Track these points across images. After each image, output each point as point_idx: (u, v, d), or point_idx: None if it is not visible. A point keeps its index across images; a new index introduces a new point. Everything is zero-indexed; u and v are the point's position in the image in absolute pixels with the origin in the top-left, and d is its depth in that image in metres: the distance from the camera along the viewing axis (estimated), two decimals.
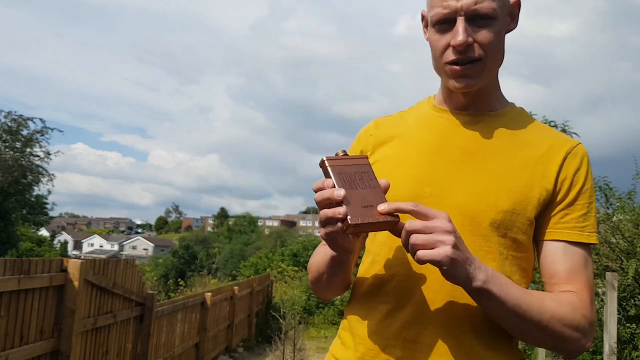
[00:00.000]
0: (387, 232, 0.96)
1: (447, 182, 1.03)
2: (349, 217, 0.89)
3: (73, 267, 3.55)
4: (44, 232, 48.47)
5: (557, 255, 1.02)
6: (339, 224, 0.89)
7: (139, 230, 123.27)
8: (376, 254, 1.09)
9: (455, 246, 0.86)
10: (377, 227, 0.92)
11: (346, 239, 0.96)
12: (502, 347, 1.00)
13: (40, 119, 25.24)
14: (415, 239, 0.86)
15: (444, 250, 0.85)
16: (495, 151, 1.05)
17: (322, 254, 1.10)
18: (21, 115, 23.63)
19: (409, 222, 0.88)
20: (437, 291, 0.99)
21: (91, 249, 76.24)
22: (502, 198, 1.00)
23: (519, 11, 1.10)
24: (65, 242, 66.84)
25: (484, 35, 1.00)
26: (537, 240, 1.05)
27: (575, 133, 10.89)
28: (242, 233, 52.14)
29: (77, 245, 77.14)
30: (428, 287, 1.00)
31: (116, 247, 77.44)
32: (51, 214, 34.88)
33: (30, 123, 23.72)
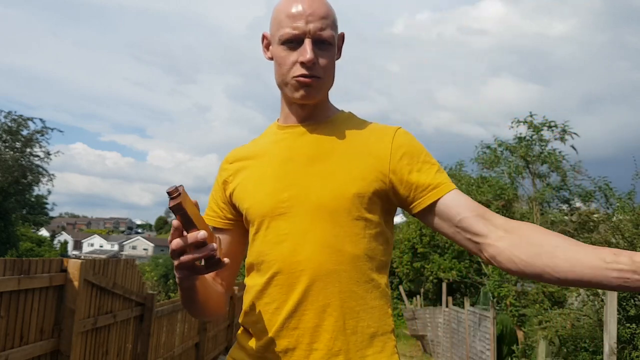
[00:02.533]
0: (271, 237, 1.16)
1: (301, 185, 1.18)
2: (219, 255, 0.99)
3: (73, 267, 3.55)
4: (44, 232, 48.47)
5: (452, 204, 1.14)
6: (204, 263, 0.99)
7: (139, 230, 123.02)
8: (257, 261, 1.21)
9: None
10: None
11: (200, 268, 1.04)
12: (375, 323, 1.15)
13: (40, 119, 25.19)
14: None
15: None
16: (334, 150, 1.22)
17: (183, 296, 1.16)
18: (21, 115, 23.63)
19: None
20: (312, 280, 1.13)
21: (91, 249, 76.21)
22: (347, 187, 1.16)
23: (343, 44, 1.28)
24: (65, 242, 66.74)
25: (324, 58, 1.18)
26: (415, 213, 1.19)
27: (575, 133, 10.89)
28: None
29: (77, 245, 77.10)
30: (304, 278, 1.14)
31: (116, 247, 77.33)
32: (51, 214, 34.85)
33: (30, 123, 23.72)
